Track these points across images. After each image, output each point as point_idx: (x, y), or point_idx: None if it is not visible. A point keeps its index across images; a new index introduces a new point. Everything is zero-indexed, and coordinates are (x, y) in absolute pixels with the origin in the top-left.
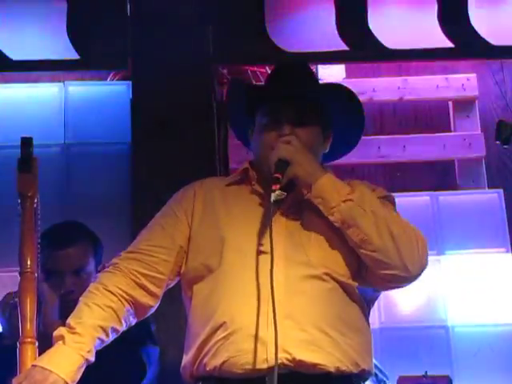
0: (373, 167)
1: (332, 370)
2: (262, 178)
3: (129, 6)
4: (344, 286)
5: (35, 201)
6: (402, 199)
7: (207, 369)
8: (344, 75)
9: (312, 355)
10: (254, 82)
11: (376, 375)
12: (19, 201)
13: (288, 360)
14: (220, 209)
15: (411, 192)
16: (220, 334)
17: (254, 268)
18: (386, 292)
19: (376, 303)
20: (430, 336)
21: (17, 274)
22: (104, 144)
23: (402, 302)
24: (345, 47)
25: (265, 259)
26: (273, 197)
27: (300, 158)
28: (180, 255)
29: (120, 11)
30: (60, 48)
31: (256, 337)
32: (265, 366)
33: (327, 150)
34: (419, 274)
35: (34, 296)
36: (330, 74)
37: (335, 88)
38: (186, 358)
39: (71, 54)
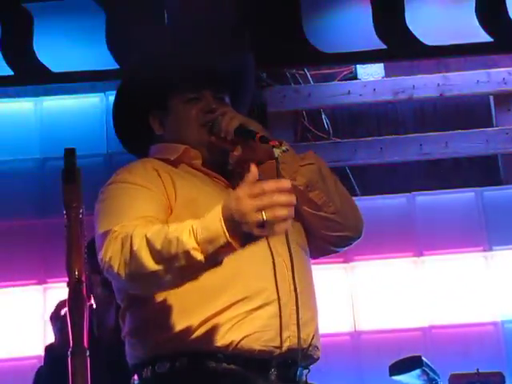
0: (415, 165)
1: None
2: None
3: (166, 15)
4: (309, 259)
5: (80, 211)
6: (447, 196)
7: (216, 344)
8: (383, 74)
9: (316, 337)
10: (293, 85)
11: (427, 374)
12: (64, 212)
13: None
14: (190, 185)
15: (455, 189)
16: (241, 309)
17: (264, 241)
18: (432, 290)
19: (422, 302)
20: (480, 333)
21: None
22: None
23: (449, 300)
24: (383, 46)
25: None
26: (277, 152)
27: (256, 125)
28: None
29: (158, 20)
30: (100, 58)
31: (280, 314)
32: (286, 344)
33: None
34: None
35: (84, 305)
36: (369, 73)
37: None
38: (169, 334)
39: (111, 64)
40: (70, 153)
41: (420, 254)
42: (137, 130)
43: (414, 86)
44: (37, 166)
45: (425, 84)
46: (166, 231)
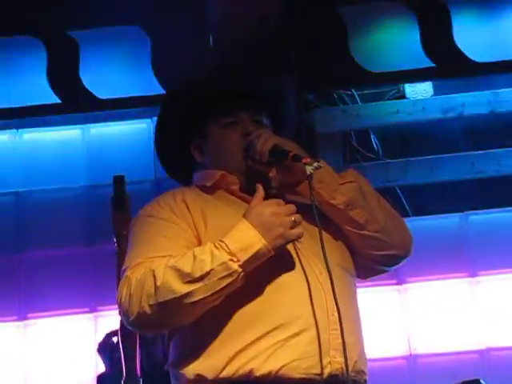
0: (467, 184)
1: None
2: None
3: (211, 36)
4: (354, 281)
5: None
6: (501, 215)
7: (256, 374)
8: (432, 92)
9: (360, 361)
10: (341, 105)
11: None
12: (115, 239)
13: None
14: (224, 215)
15: (509, 207)
16: (277, 336)
17: (298, 265)
18: (488, 311)
19: (479, 324)
20: None
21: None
22: None
23: (507, 321)
24: (431, 64)
25: (305, 255)
26: (309, 169)
27: (291, 144)
28: None
29: (203, 41)
30: (146, 84)
31: (319, 339)
32: (327, 370)
33: None
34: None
35: (135, 334)
36: (417, 91)
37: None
38: (207, 363)
39: (157, 90)
40: (119, 180)
41: (474, 275)
42: (180, 158)
43: (463, 103)
44: (84, 193)
45: (475, 101)
46: (192, 254)
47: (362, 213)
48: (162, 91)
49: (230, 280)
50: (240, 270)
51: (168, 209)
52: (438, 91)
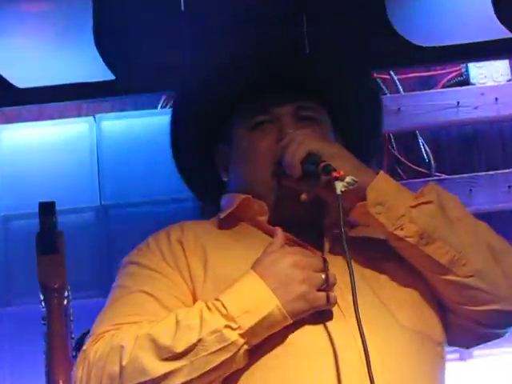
0: None
1: None
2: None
3: (182, 2)
4: (441, 355)
5: (65, 294)
6: None
7: None
8: (509, 76)
9: None
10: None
11: None
12: (41, 296)
13: None
14: (229, 260)
15: None
16: None
17: (323, 330)
18: None
19: None
20: None
21: None
22: (157, 202)
23: None
24: (508, 34)
25: (336, 319)
26: (339, 187)
27: (341, 152)
28: None
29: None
30: (86, 66)
31: None
32: None
33: None
34: None
35: None
36: (488, 74)
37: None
38: None
39: (103, 75)
40: (47, 209)
41: None
42: (206, 174)
43: None
44: None
45: None
46: (175, 318)
47: (444, 248)
48: (110, 76)
49: (226, 356)
50: (241, 341)
51: (158, 253)
52: None
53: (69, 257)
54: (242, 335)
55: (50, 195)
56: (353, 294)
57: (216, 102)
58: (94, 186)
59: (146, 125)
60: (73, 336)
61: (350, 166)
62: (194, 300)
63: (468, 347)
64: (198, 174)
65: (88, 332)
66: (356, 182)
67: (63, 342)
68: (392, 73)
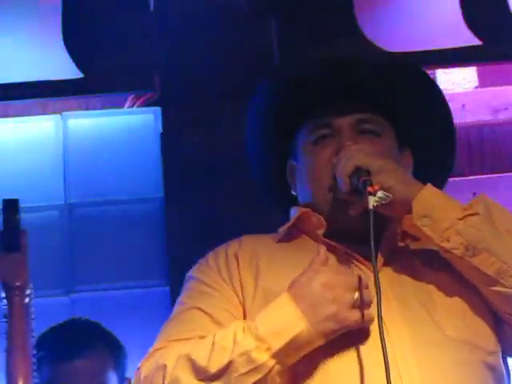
0: None
1: None
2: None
3: (152, 2)
4: (493, 365)
5: (27, 292)
6: None
7: None
8: (476, 83)
9: None
10: None
11: None
12: (3, 294)
13: None
14: (279, 276)
15: None
16: None
17: (356, 356)
18: None
19: None
20: None
21: None
22: (122, 202)
23: None
24: (476, 41)
25: (372, 341)
26: (372, 201)
27: (388, 165)
28: None
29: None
30: (54, 64)
31: None
32: None
33: None
34: None
35: None
36: (456, 81)
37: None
38: None
39: (70, 73)
40: (10, 206)
41: None
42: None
43: None
44: None
45: None
46: (212, 339)
47: (490, 259)
48: (78, 74)
49: (257, 377)
50: (272, 362)
51: (216, 269)
52: (485, 82)
53: (32, 255)
54: (272, 356)
55: (15, 193)
56: (378, 310)
57: (286, 116)
58: (60, 184)
59: (112, 124)
60: (33, 335)
61: (396, 180)
62: (244, 315)
63: None
64: (275, 188)
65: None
66: (388, 196)
67: (24, 340)
68: None
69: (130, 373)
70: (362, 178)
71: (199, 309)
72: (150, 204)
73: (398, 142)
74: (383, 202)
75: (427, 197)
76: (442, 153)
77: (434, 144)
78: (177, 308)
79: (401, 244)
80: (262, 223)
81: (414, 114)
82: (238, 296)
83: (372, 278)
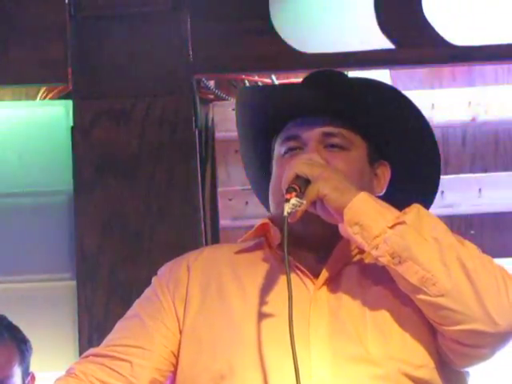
0: None
1: None
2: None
3: None
4: (421, 378)
5: None
6: None
7: None
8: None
9: None
10: None
11: None
12: None
13: None
14: (229, 290)
15: None
16: None
17: (266, 363)
18: None
19: None
20: None
21: None
22: (31, 194)
23: None
24: (389, 45)
25: (306, 361)
26: (287, 208)
27: (326, 173)
28: (162, 358)
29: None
30: None
31: None
32: None
33: (382, 193)
34: (511, 332)
35: None
36: None
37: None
38: None
39: None
40: None
41: None
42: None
43: (433, 104)
44: None
45: (451, 103)
46: None
47: (413, 268)
48: None
49: None
50: None
51: (166, 278)
52: (398, 85)
53: None
54: None
55: None
56: (289, 323)
57: (264, 126)
58: None
59: (23, 116)
60: None
61: (330, 188)
62: (179, 325)
63: (461, 367)
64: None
65: None
66: (301, 203)
67: None
68: (273, 77)
69: (33, 367)
70: (287, 186)
71: (139, 317)
72: (60, 197)
73: (376, 156)
74: (297, 208)
75: (359, 204)
76: (420, 166)
77: (411, 157)
78: (129, 310)
79: (358, 256)
80: (171, 218)
81: (386, 127)
82: (176, 311)
83: (313, 294)
